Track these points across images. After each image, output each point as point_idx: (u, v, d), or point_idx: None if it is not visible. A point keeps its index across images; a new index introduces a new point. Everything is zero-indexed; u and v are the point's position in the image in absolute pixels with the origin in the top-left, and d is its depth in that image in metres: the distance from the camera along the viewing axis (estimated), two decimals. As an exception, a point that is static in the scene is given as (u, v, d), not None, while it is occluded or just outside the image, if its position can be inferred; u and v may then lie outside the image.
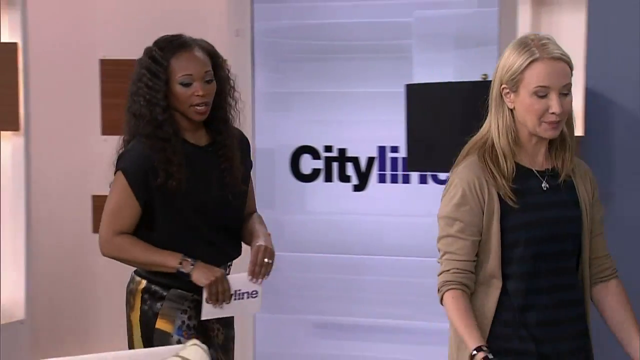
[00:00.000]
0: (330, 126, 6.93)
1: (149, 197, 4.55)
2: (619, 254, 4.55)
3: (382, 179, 6.68)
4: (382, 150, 6.69)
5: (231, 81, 4.71)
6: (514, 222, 3.88)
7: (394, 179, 6.63)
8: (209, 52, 4.61)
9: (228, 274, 4.74)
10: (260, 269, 4.57)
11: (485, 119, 4.06)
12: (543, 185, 4.00)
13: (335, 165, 6.93)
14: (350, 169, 6.88)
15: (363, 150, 6.65)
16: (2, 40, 6.31)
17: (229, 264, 4.78)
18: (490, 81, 5.06)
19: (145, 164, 4.50)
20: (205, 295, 4.55)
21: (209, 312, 4.60)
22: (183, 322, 4.61)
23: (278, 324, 7.10)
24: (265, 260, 4.57)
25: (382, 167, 6.69)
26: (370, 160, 6.67)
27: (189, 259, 4.52)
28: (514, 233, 3.88)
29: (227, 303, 4.59)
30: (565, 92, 3.82)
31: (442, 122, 5.09)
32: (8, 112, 6.21)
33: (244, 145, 4.84)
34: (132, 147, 4.57)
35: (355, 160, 6.89)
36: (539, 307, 3.93)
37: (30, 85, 6.35)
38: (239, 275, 4.67)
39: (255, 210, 5.00)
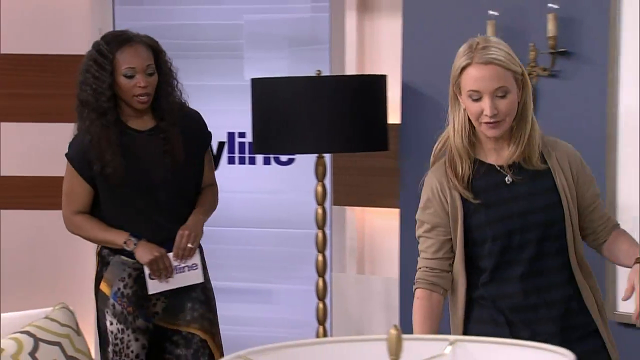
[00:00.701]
0: (208, 111, 6.89)
1: (92, 180, 4.60)
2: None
3: (231, 161, 6.71)
4: (231, 135, 6.71)
5: (173, 73, 4.73)
6: (478, 220, 3.78)
7: (242, 161, 6.69)
8: (152, 47, 4.65)
9: None
10: (183, 252, 4.62)
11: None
12: (507, 179, 3.85)
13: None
14: (224, 150, 6.84)
15: (215, 135, 6.75)
16: None
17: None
18: (323, 76, 5.26)
19: (86, 151, 4.55)
20: (147, 271, 4.62)
21: (154, 286, 4.65)
22: (119, 288, 4.66)
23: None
24: (189, 245, 4.62)
25: (231, 151, 6.71)
26: (221, 145, 6.70)
27: (133, 238, 4.58)
28: (480, 230, 3.78)
29: (170, 277, 4.65)
30: (500, 95, 3.63)
31: (282, 111, 5.18)
32: None
33: (196, 126, 4.86)
34: (77, 136, 4.64)
35: (224, 144, 6.88)
36: (510, 295, 3.79)
37: None
38: None
39: (211, 184, 4.98)
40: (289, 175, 6.22)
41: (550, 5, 4.64)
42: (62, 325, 4.60)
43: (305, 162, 5.68)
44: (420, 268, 3.87)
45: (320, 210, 5.30)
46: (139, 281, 4.64)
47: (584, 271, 3.81)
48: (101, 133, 4.51)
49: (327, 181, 5.43)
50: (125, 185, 4.56)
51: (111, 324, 4.63)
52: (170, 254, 4.65)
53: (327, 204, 5.47)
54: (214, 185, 4.97)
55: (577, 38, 4.63)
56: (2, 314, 4.63)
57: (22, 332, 4.47)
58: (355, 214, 6.03)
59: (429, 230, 3.82)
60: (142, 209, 4.64)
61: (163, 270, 4.60)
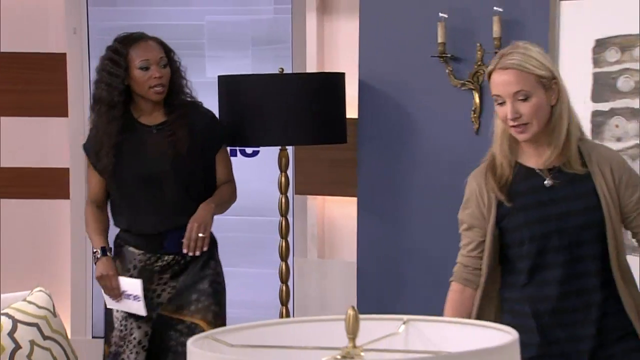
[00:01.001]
0: None
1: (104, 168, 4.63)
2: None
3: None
4: None
5: (182, 72, 4.73)
6: (515, 222, 3.68)
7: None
8: (161, 44, 4.67)
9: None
10: (195, 243, 4.58)
11: None
12: (546, 182, 3.75)
13: None
14: None
15: None
16: None
17: (180, 231, 4.63)
18: (286, 74, 5.29)
19: (96, 142, 4.61)
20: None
21: (108, 302, 4.72)
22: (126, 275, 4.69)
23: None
24: (200, 235, 4.57)
25: None
26: None
27: (100, 251, 4.65)
28: (517, 232, 3.69)
29: (117, 300, 4.65)
30: (521, 98, 3.54)
31: (247, 106, 5.18)
32: None
33: (207, 124, 4.81)
34: (91, 130, 4.70)
35: None
36: (548, 297, 3.68)
37: None
38: (130, 280, 4.66)
39: (227, 181, 4.90)
40: (254, 167, 6.29)
41: (495, 8, 4.69)
42: (40, 307, 4.63)
43: (269, 154, 5.68)
44: (457, 263, 3.84)
45: (283, 199, 5.31)
46: (144, 273, 4.66)
47: (624, 276, 3.70)
48: (105, 128, 4.53)
49: (290, 172, 5.45)
50: (124, 176, 4.59)
51: (117, 310, 4.67)
52: (126, 279, 4.64)
53: (290, 193, 5.49)
54: (230, 181, 4.92)
55: (519, 39, 4.69)
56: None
57: (1, 314, 4.52)
58: (316, 202, 6.07)
59: (467, 230, 3.79)
60: (147, 200, 4.65)
61: (109, 290, 4.62)
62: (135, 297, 4.64)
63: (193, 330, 4.56)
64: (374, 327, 1.66)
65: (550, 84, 3.60)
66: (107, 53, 4.62)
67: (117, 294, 4.61)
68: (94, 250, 4.68)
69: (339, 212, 6.07)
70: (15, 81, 6.84)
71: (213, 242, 4.77)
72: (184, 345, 4.69)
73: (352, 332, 1.54)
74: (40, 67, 6.86)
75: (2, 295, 4.69)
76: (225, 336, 1.62)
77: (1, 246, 6.81)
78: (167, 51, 4.67)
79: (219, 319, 4.68)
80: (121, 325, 4.62)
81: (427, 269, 5.03)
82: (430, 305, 4.81)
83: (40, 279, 5.67)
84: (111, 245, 4.79)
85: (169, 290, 4.69)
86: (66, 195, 6.92)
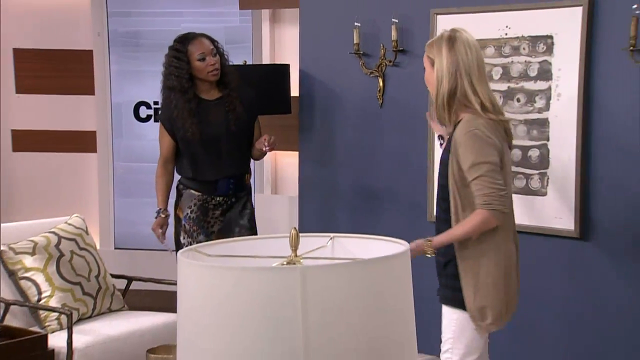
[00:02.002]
0: (157, 88, 6.78)
1: (174, 136, 4.52)
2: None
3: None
4: None
5: (226, 57, 4.58)
6: None
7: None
8: (209, 38, 4.51)
9: (240, 186, 4.57)
10: (270, 140, 4.42)
11: None
12: (438, 144, 3.81)
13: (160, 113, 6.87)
14: None
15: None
16: None
17: (232, 179, 4.55)
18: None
19: (172, 119, 4.46)
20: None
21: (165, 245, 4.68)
22: (187, 213, 4.58)
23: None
24: (272, 138, 4.44)
25: None
26: None
27: (159, 211, 4.58)
28: None
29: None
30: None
31: None
32: None
33: (251, 99, 4.62)
34: (164, 108, 4.54)
35: None
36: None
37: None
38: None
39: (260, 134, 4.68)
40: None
41: (393, 19, 4.66)
42: (76, 227, 4.64)
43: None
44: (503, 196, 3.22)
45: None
46: (202, 209, 4.56)
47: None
48: (184, 107, 4.41)
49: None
50: (197, 140, 4.46)
51: (183, 238, 4.58)
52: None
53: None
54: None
55: (410, 42, 4.69)
56: (36, 220, 4.70)
57: (49, 232, 4.51)
58: (270, 155, 6.07)
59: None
60: (206, 155, 4.52)
61: (157, 237, 4.61)
62: (172, 246, 4.69)
63: None
64: (309, 242, 1.67)
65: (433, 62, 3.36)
66: (171, 52, 4.47)
67: (161, 240, 4.60)
68: (156, 210, 4.62)
69: (286, 162, 6.07)
70: (57, 69, 6.78)
71: (249, 190, 4.72)
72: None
73: (295, 245, 1.56)
74: (75, 60, 6.80)
75: (50, 219, 4.71)
76: (205, 249, 1.62)
77: (49, 186, 6.77)
78: (214, 42, 4.53)
79: None
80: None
81: (349, 200, 5.05)
82: (351, 226, 4.87)
83: (76, 208, 5.72)
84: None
85: (219, 224, 4.61)
86: (94, 150, 6.90)
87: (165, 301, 5.24)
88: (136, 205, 6.88)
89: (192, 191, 4.59)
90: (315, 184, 5.17)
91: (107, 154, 6.87)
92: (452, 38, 3.32)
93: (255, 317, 1.39)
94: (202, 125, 4.46)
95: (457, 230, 3.25)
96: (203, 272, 1.46)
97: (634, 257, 4.03)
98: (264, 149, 4.48)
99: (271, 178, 6.23)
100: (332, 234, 1.69)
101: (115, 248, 6.86)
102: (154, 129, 6.77)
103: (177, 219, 4.65)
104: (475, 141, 3.21)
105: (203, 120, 4.47)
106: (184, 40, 4.47)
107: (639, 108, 3.97)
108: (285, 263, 1.55)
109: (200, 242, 4.48)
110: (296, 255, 1.55)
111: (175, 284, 4.39)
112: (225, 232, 4.57)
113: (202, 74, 4.45)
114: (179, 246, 4.62)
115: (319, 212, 5.13)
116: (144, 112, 6.90)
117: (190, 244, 4.49)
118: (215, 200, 4.58)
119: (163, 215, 4.61)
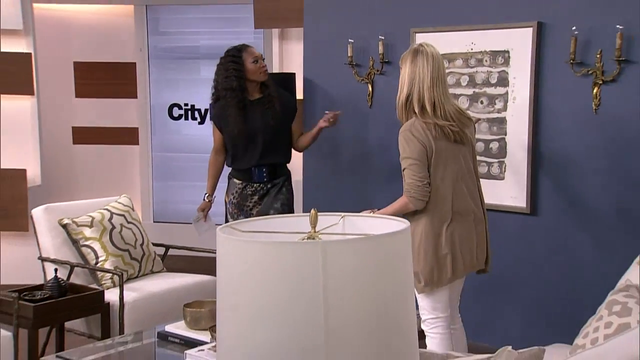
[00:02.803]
0: (187, 92, 6.78)
1: (222, 131, 4.39)
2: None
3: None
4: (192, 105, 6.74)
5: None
6: None
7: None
8: (253, 47, 4.41)
9: (275, 173, 4.38)
10: (333, 115, 4.35)
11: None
12: None
13: (189, 112, 6.77)
14: (196, 114, 6.74)
15: (200, 104, 6.64)
16: (19, 51, 5.70)
17: (264, 168, 4.36)
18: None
19: (220, 114, 4.34)
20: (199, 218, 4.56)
21: (197, 229, 4.60)
22: (230, 199, 4.48)
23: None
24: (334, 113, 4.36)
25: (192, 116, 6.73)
26: (207, 110, 6.54)
27: (205, 195, 4.52)
28: None
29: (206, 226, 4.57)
30: None
31: None
32: (21, 81, 5.66)
33: (288, 100, 4.50)
34: (216, 106, 4.37)
35: (198, 110, 6.74)
36: None
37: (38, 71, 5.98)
38: (208, 221, 4.60)
39: (301, 134, 4.57)
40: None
41: (380, 36, 4.61)
42: (125, 205, 4.59)
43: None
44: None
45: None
46: (242, 195, 4.43)
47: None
48: (232, 108, 4.26)
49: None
50: (239, 133, 4.32)
51: (227, 220, 4.48)
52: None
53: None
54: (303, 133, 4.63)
55: (396, 56, 4.61)
56: (92, 200, 4.62)
57: (103, 209, 4.46)
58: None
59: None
60: (247, 147, 4.37)
61: (200, 218, 4.54)
62: (210, 227, 4.58)
63: None
64: (325, 220, 1.60)
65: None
66: (228, 59, 4.30)
67: (204, 219, 4.52)
68: (206, 193, 4.55)
69: (292, 152, 5.95)
70: (107, 78, 6.69)
71: (288, 175, 4.56)
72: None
73: (314, 223, 1.50)
74: (122, 70, 6.71)
75: (103, 199, 4.66)
76: (239, 226, 1.56)
77: (101, 172, 6.73)
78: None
79: None
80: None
81: (345, 183, 4.99)
82: (348, 203, 4.82)
83: (123, 189, 5.74)
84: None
85: (257, 207, 4.45)
86: (136, 143, 6.81)
87: (196, 265, 5.19)
88: (170, 187, 6.83)
89: (235, 180, 4.49)
90: (317, 170, 5.09)
91: (146, 146, 6.81)
92: (417, 51, 3.24)
93: (283, 283, 1.34)
94: (245, 121, 4.33)
95: (388, 208, 3.26)
96: (239, 245, 1.40)
97: (573, 229, 4.03)
98: (325, 124, 4.36)
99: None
100: (342, 213, 1.62)
101: (154, 221, 6.78)
102: (184, 125, 6.81)
103: (225, 204, 4.56)
104: (404, 139, 3.18)
105: (246, 116, 4.34)
106: (238, 50, 4.34)
107: (577, 109, 3.97)
108: (306, 238, 1.48)
109: None
110: (315, 232, 1.49)
111: (203, 251, 4.48)
112: (263, 214, 4.44)
113: (254, 75, 4.32)
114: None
115: (321, 193, 5.06)
116: (176, 112, 6.81)
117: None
118: (253, 187, 4.45)
119: (207, 200, 4.52)
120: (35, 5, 6.01)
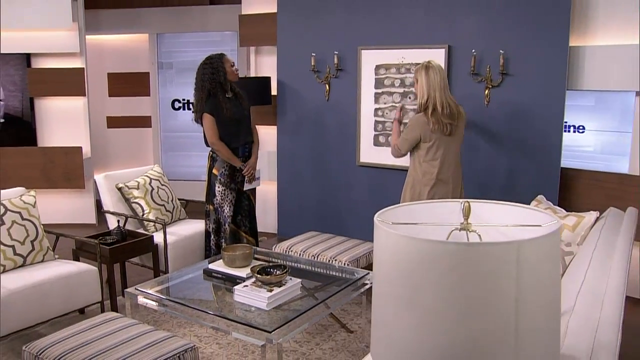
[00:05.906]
0: (183, 91, 5.96)
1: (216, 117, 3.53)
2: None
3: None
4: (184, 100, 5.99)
5: None
6: None
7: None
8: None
9: (250, 150, 3.61)
10: (251, 171, 3.55)
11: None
12: None
13: (185, 105, 5.99)
14: (190, 106, 5.93)
15: (192, 99, 5.89)
16: (76, 66, 4.95)
17: (246, 145, 3.58)
18: (242, 77, 4.37)
19: (213, 106, 3.47)
20: (246, 179, 3.60)
21: (246, 186, 3.60)
22: (222, 171, 3.57)
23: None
24: (252, 170, 3.58)
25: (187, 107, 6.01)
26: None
27: (243, 163, 3.57)
28: None
29: (251, 182, 3.59)
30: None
31: None
32: (77, 87, 4.92)
33: (246, 97, 3.66)
34: (208, 101, 3.49)
35: (192, 103, 5.92)
36: None
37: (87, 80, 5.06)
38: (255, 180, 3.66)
39: (254, 125, 3.79)
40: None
41: (335, 52, 4.06)
42: (158, 173, 3.92)
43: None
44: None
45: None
46: (230, 167, 3.58)
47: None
48: (221, 98, 3.50)
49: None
50: (227, 118, 3.52)
51: (218, 187, 3.59)
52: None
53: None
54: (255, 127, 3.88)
55: (346, 68, 4.10)
56: (134, 169, 3.89)
57: (144, 176, 3.80)
58: (260, 129, 5.31)
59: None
60: (236, 131, 3.59)
61: (249, 176, 3.59)
62: (258, 179, 3.64)
63: (249, 199, 3.67)
64: (442, 208, 1.04)
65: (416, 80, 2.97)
66: (213, 60, 3.53)
67: (252, 178, 3.61)
68: (242, 162, 3.59)
69: (268, 132, 5.20)
70: (130, 82, 5.92)
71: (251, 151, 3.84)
72: (249, 203, 3.59)
73: (467, 215, 0.96)
74: (140, 77, 5.94)
75: (141, 167, 3.94)
76: (384, 216, 0.99)
77: (127, 147, 6.05)
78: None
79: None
80: (221, 194, 3.59)
81: (308, 156, 4.43)
82: (310, 172, 4.24)
83: (141, 160, 5.36)
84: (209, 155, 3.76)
85: (240, 177, 3.68)
86: (150, 126, 6.04)
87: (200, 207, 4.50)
88: (174, 157, 6.18)
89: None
90: (287, 146, 4.52)
91: (157, 129, 6.07)
92: (427, 67, 2.94)
93: (480, 283, 0.80)
94: (232, 107, 3.66)
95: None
96: (429, 247, 0.85)
97: (481, 194, 3.68)
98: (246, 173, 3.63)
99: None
100: (461, 200, 1.08)
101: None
102: (181, 114, 6.07)
103: (214, 176, 3.69)
104: (412, 125, 2.97)
105: (229, 108, 3.69)
106: (218, 57, 3.60)
107: (475, 104, 3.64)
108: (459, 229, 0.94)
109: (232, 189, 3.59)
110: (468, 223, 0.95)
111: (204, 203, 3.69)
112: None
113: (231, 76, 3.60)
114: (214, 195, 3.71)
115: (290, 164, 4.49)
116: (176, 105, 6.08)
117: (224, 192, 3.61)
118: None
119: (244, 166, 3.65)
120: (87, 36, 5.43)
